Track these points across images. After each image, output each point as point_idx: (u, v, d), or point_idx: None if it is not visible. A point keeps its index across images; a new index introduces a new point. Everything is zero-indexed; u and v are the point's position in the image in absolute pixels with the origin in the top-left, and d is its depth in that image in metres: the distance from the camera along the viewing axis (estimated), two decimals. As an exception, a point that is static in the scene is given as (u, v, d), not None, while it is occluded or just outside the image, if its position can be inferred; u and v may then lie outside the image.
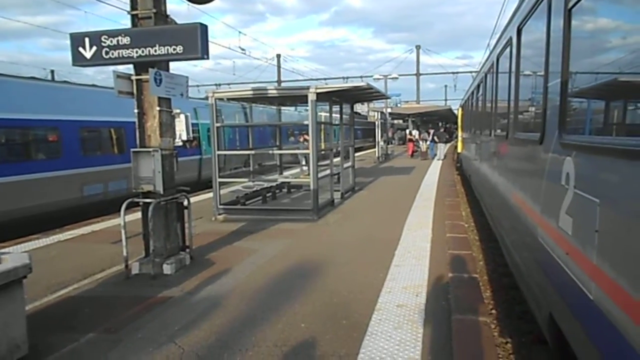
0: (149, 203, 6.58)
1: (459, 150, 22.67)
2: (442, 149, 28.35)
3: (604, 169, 2.63)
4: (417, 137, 31.79)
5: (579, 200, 2.94)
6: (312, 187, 10.48)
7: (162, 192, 6.66)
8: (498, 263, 8.14)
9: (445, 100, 61.31)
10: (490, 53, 9.70)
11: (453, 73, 51.27)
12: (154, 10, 6.49)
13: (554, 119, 3.64)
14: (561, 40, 3.46)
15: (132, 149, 6.77)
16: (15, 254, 4.39)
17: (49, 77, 34.85)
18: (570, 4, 3.26)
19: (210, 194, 11.59)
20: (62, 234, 9.56)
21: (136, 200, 6.78)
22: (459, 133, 24.18)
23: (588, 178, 2.87)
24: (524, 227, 4.58)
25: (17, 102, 11.97)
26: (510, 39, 6.10)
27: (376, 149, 29.17)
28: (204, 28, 6.29)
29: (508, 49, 6.34)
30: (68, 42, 6.63)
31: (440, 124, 49.25)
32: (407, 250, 7.53)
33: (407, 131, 48.38)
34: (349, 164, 14.88)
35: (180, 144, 7.64)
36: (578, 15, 3.29)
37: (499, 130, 7.62)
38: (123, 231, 6.57)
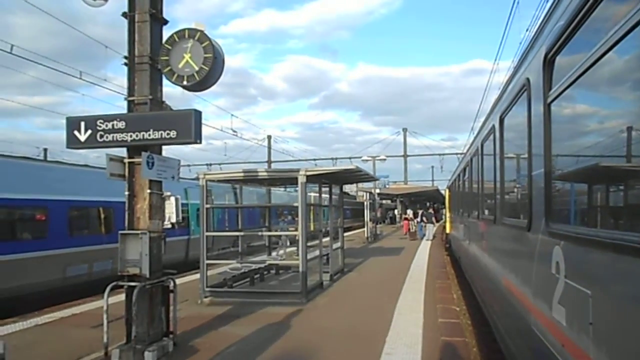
0: (134, 287, 6.41)
1: (448, 230, 22.72)
2: (431, 229, 28.42)
3: (594, 260, 2.63)
4: (411, 216, 32.09)
5: (571, 290, 2.91)
6: (300, 269, 10.32)
7: (148, 275, 6.51)
8: (492, 349, 7.88)
9: (432, 180, 62.23)
10: (475, 138, 10.02)
11: (439, 155, 52.37)
12: (150, 97, 6.70)
13: (540, 206, 3.69)
14: (542, 131, 3.59)
15: (120, 232, 6.70)
16: (-10, 343, 4.18)
17: (42, 156, 35.12)
18: (549, 100, 3.42)
19: (197, 275, 11.34)
20: (41, 317, 9.17)
21: (121, 283, 6.61)
22: (447, 213, 24.35)
23: (578, 268, 2.86)
24: (517, 314, 4.49)
25: (5, 181, 11.95)
26: (494, 126, 6.33)
27: (365, 229, 29.17)
28: (198, 114, 6.48)
29: (492, 136, 6.55)
30: (63, 121, 6.78)
31: (428, 204, 49.73)
32: (399, 337, 7.30)
33: (395, 211, 48.82)
34: (338, 244, 14.79)
35: (169, 226, 7.57)
36: (557, 107, 3.44)
37: (486, 213, 7.69)
38: (105, 315, 6.33)
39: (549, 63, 3.47)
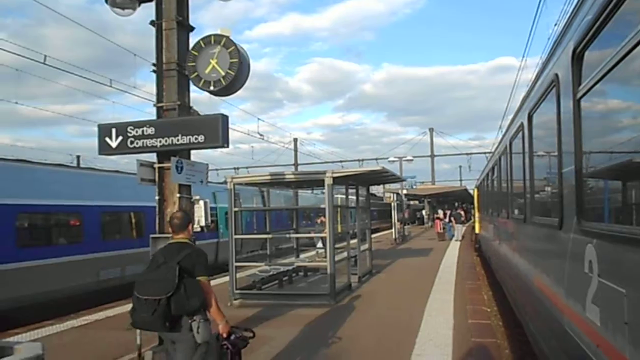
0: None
1: (477, 230, 22.40)
2: (460, 229, 28.04)
3: (628, 258, 2.57)
4: (442, 216, 31.63)
5: (605, 289, 2.85)
6: (329, 270, 10.34)
7: (178, 278, 6.61)
8: (525, 351, 7.74)
9: (460, 180, 61.43)
10: (503, 136, 9.87)
11: (467, 154, 51.82)
12: (179, 103, 6.82)
13: (572, 204, 3.62)
14: (572, 127, 3.53)
15: (151, 235, 6.83)
16: (28, 344, 4.32)
17: (75, 163, 36.10)
18: (579, 95, 3.36)
19: (227, 277, 11.47)
20: (77, 320, 9.43)
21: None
22: (476, 213, 24.00)
23: (612, 267, 2.80)
24: (549, 315, 4.41)
25: (42, 188, 12.34)
26: (522, 124, 6.23)
27: (393, 230, 28.99)
28: (225, 119, 6.57)
29: (520, 134, 6.45)
30: (95, 129, 6.97)
31: (456, 204, 49.12)
32: (429, 339, 7.23)
33: (423, 212, 48.35)
34: (366, 246, 14.74)
35: (199, 229, 7.69)
36: (587, 102, 3.37)
37: (516, 212, 7.57)
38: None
39: (577, 58, 3.41)
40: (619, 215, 3.15)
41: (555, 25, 12.28)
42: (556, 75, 4.08)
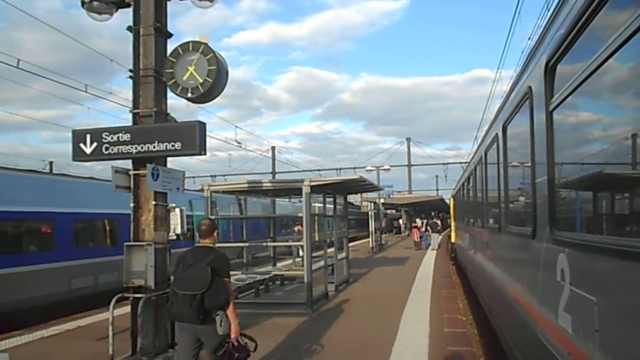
0: (139, 298, 6.41)
1: (453, 240, 22.63)
2: (436, 238, 28.30)
3: (598, 266, 2.63)
4: (420, 224, 31.90)
5: (576, 297, 2.90)
6: (306, 279, 10.30)
7: (153, 287, 6.52)
8: (499, 359, 7.82)
9: (437, 190, 62.02)
10: (479, 147, 10.02)
11: (443, 164, 52.30)
12: (155, 109, 6.75)
13: (544, 214, 3.69)
14: (544, 138, 3.60)
15: (125, 243, 6.72)
16: (-4, 356, 4.19)
17: (48, 169, 35.31)
18: (551, 108, 3.43)
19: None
20: (47, 330, 9.17)
21: (126, 295, 6.61)
22: (452, 223, 24.26)
23: (583, 275, 2.86)
24: (523, 323, 4.47)
25: (12, 194, 12.02)
26: (497, 135, 6.34)
27: (370, 239, 29.09)
28: (202, 126, 6.52)
29: (495, 144, 6.56)
30: (69, 134, 6.84)
31: (432, 213, 49.63)
32: (405, 347, 7.25)
33: (400, 221, 48.66)
34: (343, 254, 14.76)
35: (175, 237, 7.59)
36: (559, 114, 3.45)
37: (491, 222, 7.67)
38: (110, 327, 6.33)
39: (550, 71, 3.49)
40: (590, 225, 3.22)
41: (529, 39, 12.59)
42: (529, 87, 4.17)
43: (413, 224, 34.26)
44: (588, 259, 2.79)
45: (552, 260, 3.39)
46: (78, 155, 6.78)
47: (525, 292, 4.44)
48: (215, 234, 5.15)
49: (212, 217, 11.21)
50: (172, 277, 5.02)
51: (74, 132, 6.85)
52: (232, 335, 4.75)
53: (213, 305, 4.67)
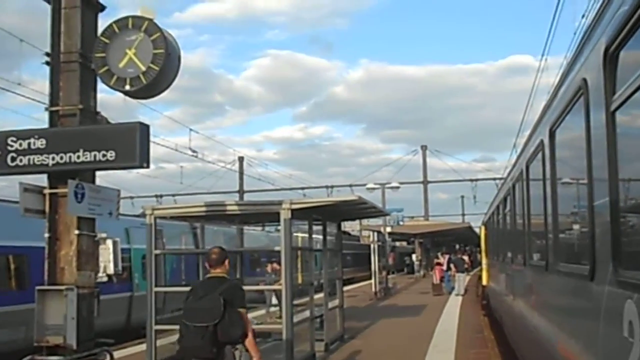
0: (57, 363, 6.35)
1: (484, 282, 22.71)
2: (462, 280, 28.37)
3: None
4: (444, 261, 31.49)
5: (650, 360, 2.93)
6: (284, 336, 10.27)
7: (74, 346, 6.47)
8: None
9: (463, 215, 62.69)
10: (518, 158, 10.13)
11: (471, 180, 52.71)
12: (80, 106, 6.75)
13: (606, 247, 3.72)
14: (605, 146, 3.65)
15: (37, 287, 6.67)
16: None
17: None
18: (613, 107, 3.49)
19: (144, 347, 11.22)
20: None
21: (38, 358, 6.56)
22: (483, 259, 24.37)
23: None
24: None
25: None
26: (542, 142, 6.42)
27: (372, 281, 29.07)
28: (144, 129, 6.54)
29: (540, 154, 6.64)
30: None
31: (457, 246, 49.85)
32: None
33: (414, 256, 48.77)
34: (336, 302, 14.73)
35: (105, 279, 7.52)
36: (624, 115, 3.49)
37: (535, 258, 7.73)
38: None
39: (611, 59, 3.55)
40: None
41: (583, 17, 12.80)
42: (584, 80, 4.23)
43: (436, 261, 34.08)
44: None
45: (616, 309, 3.42)
46: (-27, 167, 6.75)
47: (581, 351, 4.47)
48: (227, 262, 6.26)
49: (157, 251, 11.17)
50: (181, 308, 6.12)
51: (-32, 136, 6.82)
52: None
53: (227, 338, 5.64)
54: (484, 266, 23.49)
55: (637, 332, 3.10)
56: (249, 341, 5.79)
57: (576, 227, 5.36)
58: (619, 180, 3.58)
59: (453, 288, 28.35)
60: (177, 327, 12.30)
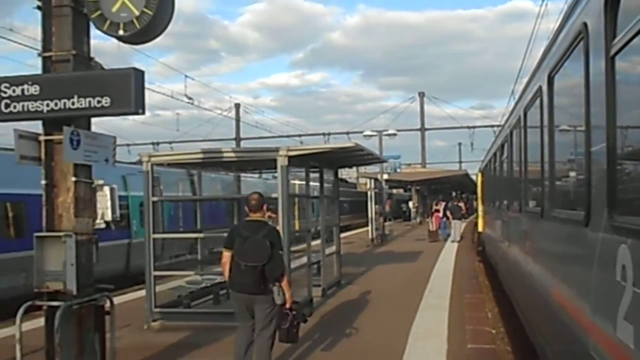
0: (57, 307, 6.42)
1: (480, 228, 22.92)
2: (458, 227, 28.61)
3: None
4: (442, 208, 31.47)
5: (641, 303, 2.98)
6: (282, 282, 10.38)
7: (74, 292, 6.51)
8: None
9: (460, 162, 62.56)
10: (516, 104, 10.09)
11: (468, 127, 52.71)
12: (74, 52, 6.64)
13: (601, 193, 3.75)
14: (604, 93, 3.63)
15: (35, 234, 6.69)
16: None
17: None
18: (613, 52, 3.46)
19: (143, 292, 11.36)
20: None
21: (38, 302, 6.62)
22: (479, 206, 24.53)
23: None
24: (571, 335, 4.58)
25: None
26: (540, 88, 6.39)
27: (369, 228, 29.31)
28: (139, 75, 6.45)
29: (538, 101, 6.61)
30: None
31: (453, 193, 50.08)
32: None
33: (410, 204, 49.04)
34: (333, 249, 14.86)
35: (103, 225, 7.54)
36: (624, 61, 3.47)
37: (531, 205, 7.78)
38: (18, 346, 6.35)
39: (612, 3, 3.50)
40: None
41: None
42: (584, 24, 4.19)
43: (435, 207, 34.11)
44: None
45: (610, 254, 3.46)
46: (-34, 114, 6.68)
47: (575, 296, 4.55)
48: (264, 207, 7.05)
49: (155, 198, 11.20)
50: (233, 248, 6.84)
51: (-40, 82, 6.73)
52: (287, 305, 6.71)
53: (272, 276, 6.62)
54: (480, 213, 23.68)
55: (629, 276, 3.15)
56: (285, 281, 6.77)
57: (572, 174, 5.39)
58: (616, 127, 3.57)
59: (449, 235, 28.65)
60: (175, 273, 12.60)
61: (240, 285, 6.73)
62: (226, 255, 6.97)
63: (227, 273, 6.98)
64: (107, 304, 7.06)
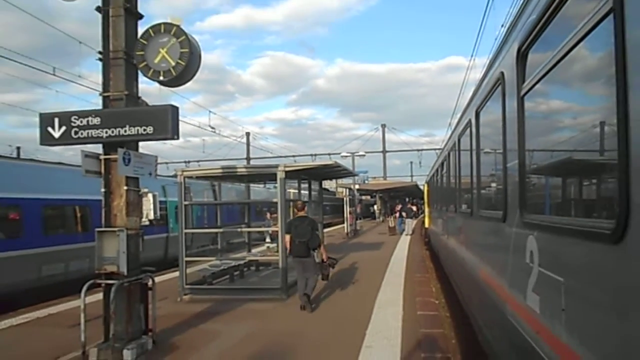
0: (112, 284, 6.34)
1: (427, 225, 22.95)
2: (410, 224, 28.64)
3: (565, 248, 2.71)
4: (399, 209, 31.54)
5: (544, 278, 2.99)
6: (280, 265, 10.32)
7: (125, 273, 6.44)
8: (471, 340, 8.02)
9: (411, 176, 62.57)
10: (452, 133, 10.14)
11: (418, 150, 52.85)
12: (126, 92, 6.60)
13: (515, 198, 3.77)
14: (516, 124, 3.67)
15: (96, 229, 6.61)
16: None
17: (15, 154, 34.31)
18: (522, 93, 3.49)
19: (176, 273, 11.24)
20: (16, 318, 9.00)
21: (98, 281, 6.53)
22: (426, 208, 24.58)
23: (551, 257, 2.94)
24: (493, 305, 4.58)
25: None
26: (470, 121, 6.42)
27: (345, 225, 29.24)
28: (175, 110, 6.42)
29: (468, 130, 6.65)
30: (36, 119, 6.64)
31: (407, 199, 50.09)
32: (379, 330, 7.37)
33: (375, 207, 49.01)
34: (318, 240, 14.80)
35: (147, 223, 7.50)
36: (530, 100, 3.51)
37: (463, 207, 7.81)
38: (82, 315, 6.25)
39: (522, 57, 3.54)
40: (558, 209, 3.31)
41: (502, 26, 12.69)
42: (502, 73, 4.23)
43: (397, 210, 33.87)
44: (556, 241, 2.87)
45: (521, 243, 3.48)
46: (46, 139, 6.61)
47: (496, 274, 4.55)
48: (306, 208, 9.63)
49: (186, 202, 11.13)
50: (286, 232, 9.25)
51: (41, 115, 6.66)
52: (325, 259, 9.08)
53: (313, 246, 8.88)
54: (426, 213, 23.74)
55: (535, 259, 3.16)
56: (323, 247, 9.18)
57: (493, 184, 5.41)
58: (525, 149, 3.61)
59: (404, 230, 28.64)
60: (202, 259, 12.53)
61: (297, 253, 8.88)
62: (287, 236, 9.07)
63: (289, 247, 9.05)
64: (150, 282, 6.99)
